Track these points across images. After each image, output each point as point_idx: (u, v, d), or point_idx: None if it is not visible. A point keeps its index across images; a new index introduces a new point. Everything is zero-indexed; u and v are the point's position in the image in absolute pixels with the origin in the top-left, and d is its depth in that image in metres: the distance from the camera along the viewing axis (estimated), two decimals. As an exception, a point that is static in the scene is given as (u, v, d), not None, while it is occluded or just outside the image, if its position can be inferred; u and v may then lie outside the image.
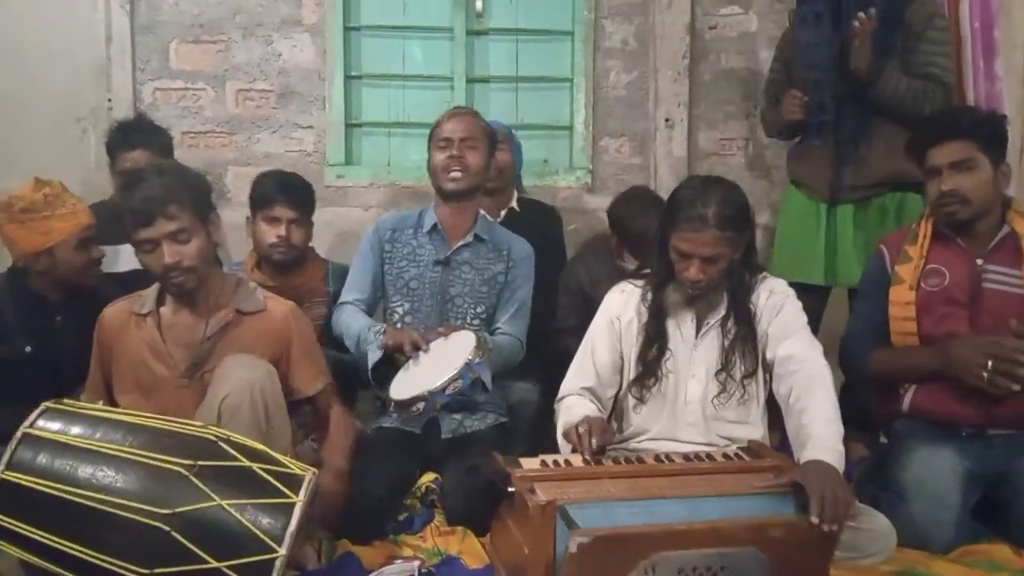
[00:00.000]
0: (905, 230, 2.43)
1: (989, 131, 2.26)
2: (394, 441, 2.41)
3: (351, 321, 2.48)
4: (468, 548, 2.04)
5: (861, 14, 2.62)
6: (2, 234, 2.36)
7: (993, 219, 2.28)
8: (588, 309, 2.42)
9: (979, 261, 2.25)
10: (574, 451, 1.98)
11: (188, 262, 2.01)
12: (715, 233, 2.05)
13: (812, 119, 2.81)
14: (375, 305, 2.60)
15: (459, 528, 2.13)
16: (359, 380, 2.55)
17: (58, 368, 2.34)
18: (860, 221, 2.81)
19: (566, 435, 2.04)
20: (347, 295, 2.57)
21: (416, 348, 2.26)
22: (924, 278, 2.29)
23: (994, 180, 2.24)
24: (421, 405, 2.10)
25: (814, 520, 1.67)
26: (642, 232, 2.77)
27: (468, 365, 2.09)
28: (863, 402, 2.49)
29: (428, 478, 2.34)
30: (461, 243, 2.55)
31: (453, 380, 2.08)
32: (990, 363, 2.09)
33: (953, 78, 2.86)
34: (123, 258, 2.82)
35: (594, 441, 1.95)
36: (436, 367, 2.16)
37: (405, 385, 2.19)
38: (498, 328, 2.53)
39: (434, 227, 2.55)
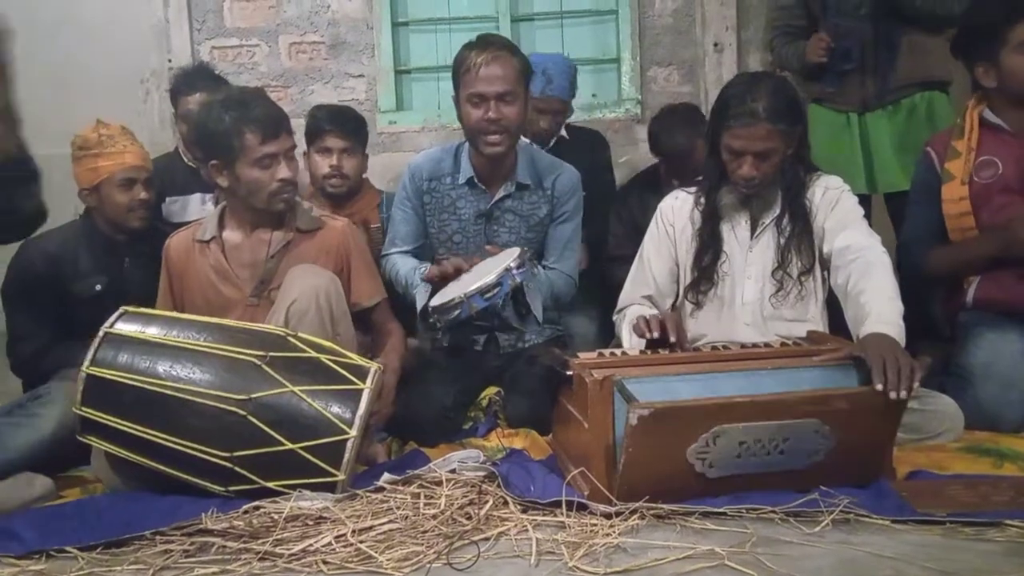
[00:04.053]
0: (950, 128, 2.38)
1: None
2: (457, 356, 2.44)
3: (399, 266, 2.44)
4: (532, 444, 2.08)
5: None
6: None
7: None
8: (640, 239, 2.37)
9: None
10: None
11: (295, 179, 2.15)
12: (767, 127, 2.03)
13: (835, 67, 2.77)
14: (422, 255, 2.51)
15: (522, 430, 2.17)
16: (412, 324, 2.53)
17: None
18: (892, 124, 2.76)
19: (636, 327, 1.99)
20: (391, 247, 2.50)
21: (459, 272, 2.21)
22: (976, 171, 2.25)
23: None
24: (457, 312, 2.03)
25: (878, 387, 1.61)
26: (680, 148, 2.75)
27: (508, 271, 2.03)
28: (926, 308, 2.45)
29: (491, 391, 2.38)
30: (502, 193, 2.42)
31: (491, 286, 2.01)
32: None
33: None
34: (191, 208, 2.95)
35: (670, 327, 1.93)
36: (476, 276, 2.13)
37: (445, 293, 2.16)
38: (546, 266, 2.46)
39: (471, 179, 2.42)
